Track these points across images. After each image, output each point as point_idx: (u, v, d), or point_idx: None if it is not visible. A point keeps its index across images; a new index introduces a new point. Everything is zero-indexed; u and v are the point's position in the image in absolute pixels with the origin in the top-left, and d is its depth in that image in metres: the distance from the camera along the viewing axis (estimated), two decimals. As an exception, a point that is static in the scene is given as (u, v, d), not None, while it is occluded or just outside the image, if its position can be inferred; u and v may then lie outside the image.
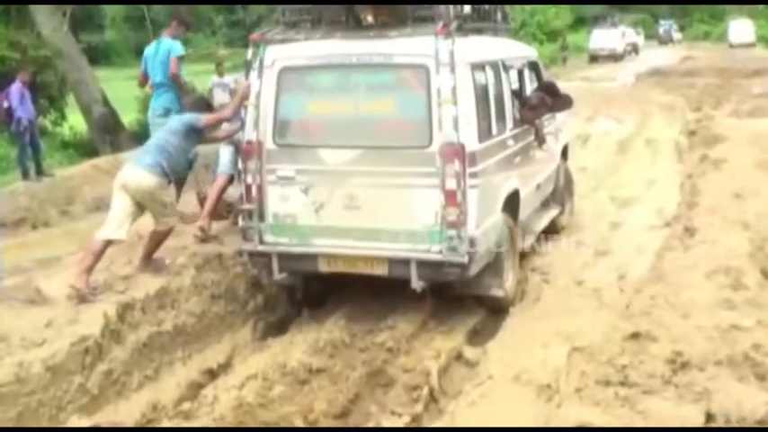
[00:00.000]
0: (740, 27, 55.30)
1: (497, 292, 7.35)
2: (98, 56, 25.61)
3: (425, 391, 6.16)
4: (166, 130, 7.37)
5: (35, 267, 7.82)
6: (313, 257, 7.13)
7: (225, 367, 6.90)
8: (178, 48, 9.40)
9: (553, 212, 9.55)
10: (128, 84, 10.17)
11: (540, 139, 8.75)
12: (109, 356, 6.18)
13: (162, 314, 6.87)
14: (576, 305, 7.29)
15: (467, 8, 7.70)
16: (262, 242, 7.20)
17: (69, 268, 7.24)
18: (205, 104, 8.07)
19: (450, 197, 6.61)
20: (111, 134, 17.46)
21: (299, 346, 6.89)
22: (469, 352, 6.85)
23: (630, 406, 4.67)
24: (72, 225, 10.51)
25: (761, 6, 60.24)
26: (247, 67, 7.31)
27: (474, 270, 6.88)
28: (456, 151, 6.57)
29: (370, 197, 6.91)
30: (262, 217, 7.18)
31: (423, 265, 6.82)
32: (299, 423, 5.71)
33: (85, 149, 18.16)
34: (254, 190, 7.14)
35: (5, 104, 13.54)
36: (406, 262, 6.85)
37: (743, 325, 5.62)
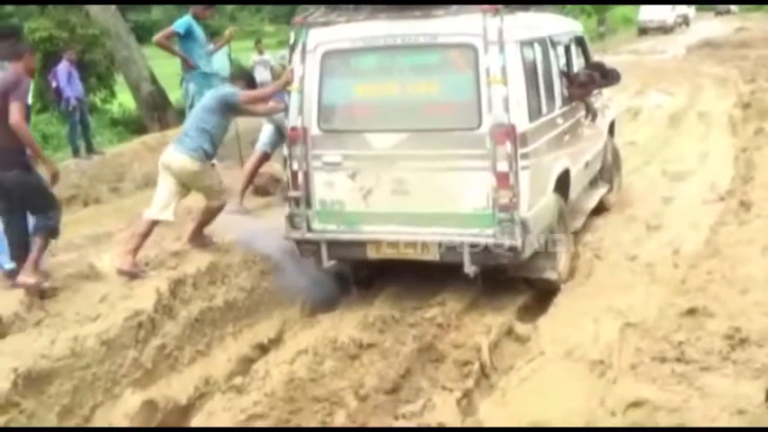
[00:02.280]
0: (794, -4, 53.96)
1: (551, 275, 7.22)
2: (145, 34, 25.75)
3: (476, 366, 6.13)
4: (203, 108, 7.29)
5: (87, 244, 7.91)
6: (362, 244, 7.02)
7: (275, 342, 6.92)
8: (180, 24, 9.74)
9: (602, 190, 9.39)
10: (174, 62, 10.20)
11: (593, 115, 8.63)
12: (162, 331, 6.25)
13: (213, 289, 6.94)
14: (628, 281, 7.17)
15: None
16: (310, 229, 7.09)
17: (121, 244, 7.32)
18: (247, 78, 7.92)
19: (501, 179, 6.45)
20: (159, 111, 17.59)
21: (348, 321, 6.90)
22: (520, 328, 6.78)
23: (688, 383, 4.59)
24: (122, 202, 10.61)
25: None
26: (290, 50, 7.22)
27: (527, 253, 6.73)
28: (507, 132, 6.39)
29: (418, 181, 6.78)
30: (309, 204, 7.06)
31: (475, 249, 6.67)
32: (350, 398, 5.71)
33: (134, 127, 18.33)
34: (300, 177, 7.02)
35: (54, 84, 13.71)
36: (457, 247, 6.71)
37: (803, 300, 5.49)
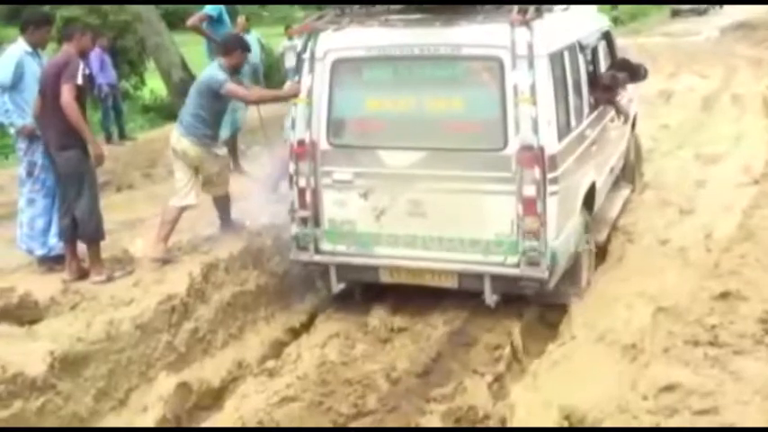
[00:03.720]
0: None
1: (574, 300, 6.70)
2: (176, 20, 25.82)
3: (507, 350, 6.14)
4: (195, 90, 7.08)
5: (121, 229, 7.99)
6: (374, 269, 6.59)
7: (307, 326, 6.97)
8: (211, 8, 9.81)
9: (625, 193, 8.94)
10: (204, 48, 10.28)
11: (624, 116, 8.24)
12: (195, 315, 6.32)
13: (245, 274, 6.99)
14: (660, 265, 7.12)
15: None
16: (318, 251, 6.66)
17: (153, 230, 7.39)
18: (233, 44, 7.39)
19: (528, 206, 5.99)
20: (190, 98, 17.68)
21: (380, 305, 6.91)
22: (552, 313, 6.77)
23: (721, 366, 4.56)
24: (154, 188, 10.67)
25: None
26: (297, 59, 6.68)
27: (553, 283, 6.30)
28: (535, 156, 5.92)
29: (436, 203, 6.30)
30: (317, 223, 6.63)
31: (497, 279, 6.27)
32: (381, 381, 5.74)
33: (166, 113, 18.37)
34: (308, 194, 6.57)
35: (86, 71, 13.79)
36: (478, 276, 6.30)
37: (838, 284, 5.44)
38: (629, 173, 9.37)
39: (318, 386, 5.72)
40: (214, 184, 7.27)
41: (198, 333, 6.28)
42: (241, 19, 10.99)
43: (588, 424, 4.59)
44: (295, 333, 6.87)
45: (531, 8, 6.10)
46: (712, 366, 4.58)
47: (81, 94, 6.47)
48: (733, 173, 10.24)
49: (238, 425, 5.35)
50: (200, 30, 9.83)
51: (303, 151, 6.53)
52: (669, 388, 4.41)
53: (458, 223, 6.28)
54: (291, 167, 6.63)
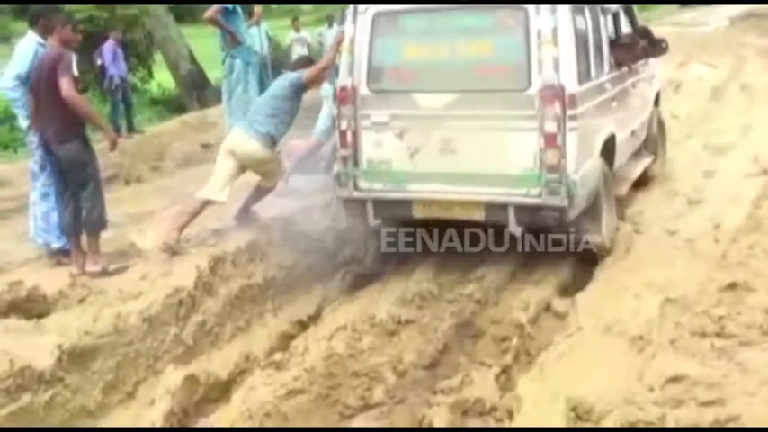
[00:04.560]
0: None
1: (595, 238, 7.19)
2: (183, 13, 25.79)
3: (515, 342, 6.13)
4: (274, 95, 7.43)
5: (129, 222, 8.01)
6: (408, 203, 7.07)
7: (314, 318, 6.97)
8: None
9: (646, 161, 9.32)
10: (213, 40, 10.28)
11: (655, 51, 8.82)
12: (202, 308, 6.33)
13: (252, 267, 7.00)
14: (668, 255, 7.10)
15: None
16: (356, 188, 7.15)
17: (162, 222, 7.41)
18: (307, 62, 8.03)
19: (549, 140, 6.48)
20: (198, 90, 17.68)
21: (387, 297, 6.93)
22: (559, 303, 6.75)
23: (728, 357, 4.57)
24: (162, 181, 10.72)
25: None
26: (342, 12, 7.30)
27: (573, 214, 6.74)
28: (556, 93, 6.44)
29: (466, 141, 6.80)
30: (356, 163, 7.12)
31: (521, 209, 6.72)
32: (388, 374, 5.74)
33: (174, 106, 18.45)
34: (348, 136, 7.09)
35: (99, 62, 13.88)
36: (503, 206, 6.75)
37: None
38: (651, 144, 9.68)
39: (325, 378, 5.71)
40: (268, 177, 7.53)
41: (205, 326, 6.29)
42: (258, 9, 10.97)
43: (595, 415, 4.58)
44: (302, 325, 6.87)
45: None
46: (719, 357, 4.58)
47: (77, 86, 6.44)
48: (742, 163, 10.19)
49: (245, 417, 5.34)
50: (217, 22, 9.82)
51: (345, 96, 7.08)
52: (675, 379, 4.42)
53: (485, 160, 6.75)
54: (334, 111, 7.25)
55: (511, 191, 6.71)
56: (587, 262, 7.30)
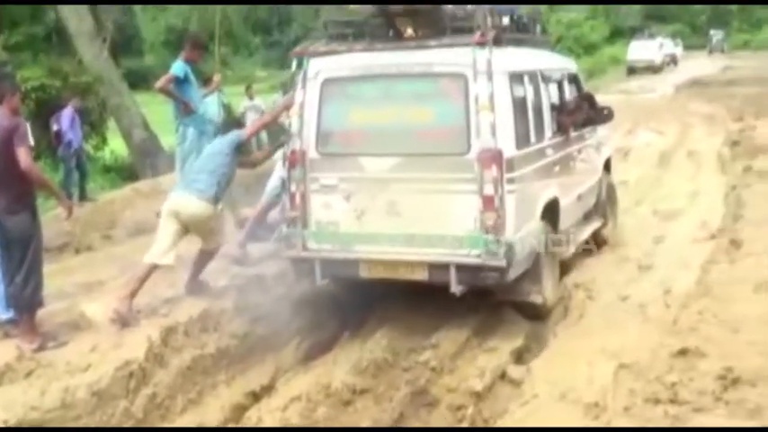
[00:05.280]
0: (781, 35, 54.63)
1: (536, 298, 7.42)
2: (138, 80, 25.83)
3: (470, 410, 6.10)
4: (213, 153, 7.53)
5: (79, 292, 7.87)
6: (354, 263, 7.23)
7: (268, 389, 6.86)
8: (177, 67, 9.53)
9: (596, 224, 9.52)
10: (167, 107, 10.23)
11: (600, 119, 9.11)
12: (153, 380, 6.21)
13: (205, 337, 6.90)
14: (621, 321, 7.16)
15: (505, 20, 7.78)
16: (305, 248, 7.30)
17: (113, 292, 7.31)
18: (236, 124, 8.43)
19: (487, 202, 6.70)
20: (151, 158, 17.63)
21: (342, 366, 6.85)
22: (514, 371, 6.74)
23: (681, 424, 4.57)
24: (114, 249, 10.57)
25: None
26: (291, 78, 7.58)
27: (512, 274, 6.93)
28: (494, 157, 6.66)
29: (410, 203, 7.02)
30: (305, 224, 7.29)
31: (462, 269, 6.87)
32: (343, 445, 5.67)
33: (126, 173, 18.35)
34: (297, 198, 7.29)
35: (55, 127, 13.80)
36: (445, 266, 6.90)
37: (795, 340, 5.49)
38: (600, 209, 9.86)
39: (279, 451, 5.64)
40: (210, 239, 7.51)
41: (156, 398, 6.16)
42: (217, 78, 10.95)
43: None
44: (256, 397, 6.75)
45: (491, 33, 6.89)
46: (672, 424, 4.59)
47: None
48: (690, 228, 10.39)
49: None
50: (168, 92, 9.76)
51: (295, 159, 7.31)
52: (630, 447, 4.41)
53: (428, 221, 6.99)
54: (285, 174, 7.43)
55: (453, 251, 6.90)
56: (541, 328, 7.33)
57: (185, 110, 9.78)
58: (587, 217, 9.46)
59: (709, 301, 6.60)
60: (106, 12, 20.88)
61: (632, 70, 45.49)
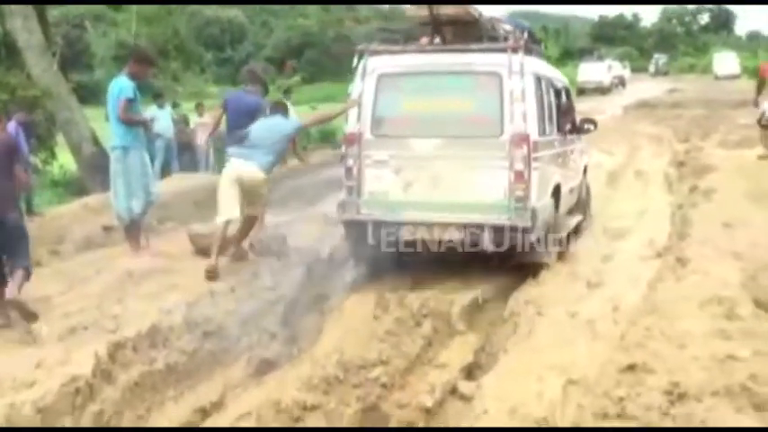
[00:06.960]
0: (725, 59, 55.91)
1: (547, 259, 9.10)
2: (88, 95, 25.53)
3: (421, 426, 6.09)
4: (279, 132, 8.98)
5: (25, 307, 7.72)
6: (401, 225, 8.59)
7: (218, 405, 6.80)
8: (127, 89, 9.14)
9: (579, 217, 11.22)
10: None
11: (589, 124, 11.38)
12: (100, 397, 6.12)
13: (153, 353, 6.82)
14: (570, 337, 7.21)
15: (525, 34, 9.55)
16: (359, 213, 8.77)
17: (58, 308, 7.18)
18: (282, 105, 9.75)
19: (518, 176, 8.31)
20: (100, 173, 17.37)
21: (292, 382, 6.81)
22: (464, 386, 6.76)
23: (628, 439, 4.61)
24: (62, 265, 10.38)
25: (744, 39, 60.99)
26: (353, 72, 9.02)
27: (534, 235, 8.49)
28: (524, 139, 8.29)
29: (450, 177, 8.52)
30: (359, 193, 8.78)
31: (495, 230, 8.37)
32: (293, 461, 5.63)
33: (75, 188, 18.07)
34: (354, 171, 8.77)
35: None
36: (480, 227, 8.40)
37: (739, 355, 5.57)
38: (581, 206, 11.72)
39: (228, 468, 5.58)
40: (257, 203, 9.06)
41: (103, 416, 6.06)
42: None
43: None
44: (205, 413, 6.69)
45: (521, 42, 8.78)
46: (620, 440, 4.63)
47: None
48: (638, 247, 10.51)
49: None
50: (135, 121, 9.32)
51: (353, 139, 8.86)
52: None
53: (465, 191, 8.51)
54: (342, 151, 8.97)
55: (487, 216, 8.41)
56: (491, 344, 7.36)
57: (146, 129, 9.56)
58: (571, 211, 11.10)
59: (656, 317, 6.68)
60: (56, 26, 20.63)
61: (582, 91, 46.12)
